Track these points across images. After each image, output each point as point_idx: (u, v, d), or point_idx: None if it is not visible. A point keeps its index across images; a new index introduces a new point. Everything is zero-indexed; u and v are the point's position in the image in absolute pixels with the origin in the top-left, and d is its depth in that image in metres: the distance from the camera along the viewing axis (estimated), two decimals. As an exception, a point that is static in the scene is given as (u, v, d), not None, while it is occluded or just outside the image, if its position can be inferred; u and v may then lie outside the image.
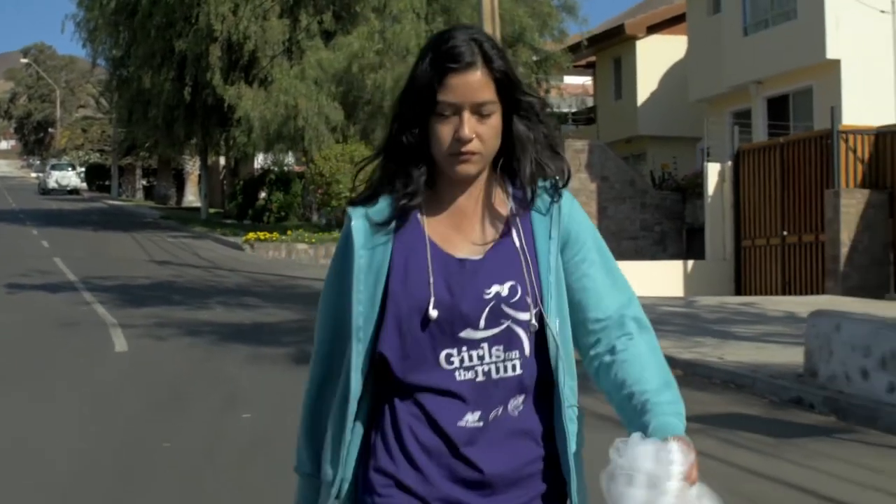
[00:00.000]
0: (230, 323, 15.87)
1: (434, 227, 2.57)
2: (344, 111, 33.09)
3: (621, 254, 29.84)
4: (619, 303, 2.61)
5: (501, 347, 2.51)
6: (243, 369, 12.13)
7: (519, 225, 2.58)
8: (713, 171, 26.55)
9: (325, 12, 35.35)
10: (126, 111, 44.54)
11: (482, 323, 2.50)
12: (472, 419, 2.49)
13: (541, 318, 2.54)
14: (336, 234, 31.22)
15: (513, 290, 2.52)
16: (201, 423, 9.47)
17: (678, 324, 15.78)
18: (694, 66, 33.84)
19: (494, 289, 2.51)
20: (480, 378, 2.50)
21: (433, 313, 2.47)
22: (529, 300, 2.52)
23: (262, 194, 42.61)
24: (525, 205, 2.60)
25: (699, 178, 28.53)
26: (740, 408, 10.26)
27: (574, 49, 39.54)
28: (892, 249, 21.74)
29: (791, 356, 11.83)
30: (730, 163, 25.92)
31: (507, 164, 2.60)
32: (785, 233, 23.96)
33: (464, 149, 2.47)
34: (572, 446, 2.54)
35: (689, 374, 11.60)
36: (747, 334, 14.68)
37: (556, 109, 43.68)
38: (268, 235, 31.38)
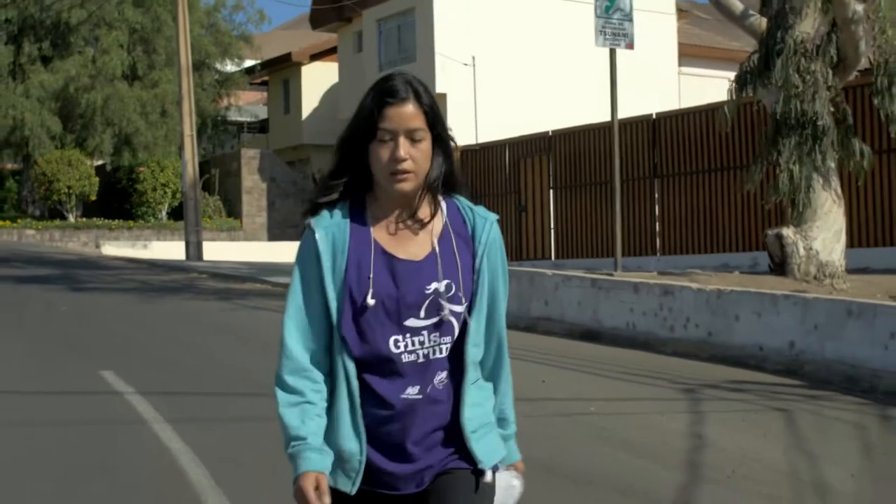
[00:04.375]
0: (14, 276, 23.51)
1: (380, 234, 3.10)
2: (62, 123, 40.58)
3: (286, 237, 38.50)
4: (501, 334, 3.25)
5: (437, 334, 3.08)
6: (42, 293, 20.11)
7: (454, 233, 3.14)
8: (351, 175, 35.38)
9: (44, 41, 42.04)
10: None
11: (423, 313, 3.06)
12: (412, 392, 3.07)
13: (469, 311, 3.12)
14: (58, 221, 38.58)
15: (448, 287, 3.07)
16: (37, 312, 17.55)
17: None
18: (344, 90, 41.13)
19: (434, 285, 3.06)
20: (421, 360, 3.08)
21: (370, 301, 3.02)
22: (462, 296, 3.09)
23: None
24: (458, 217, 3.17)
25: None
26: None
27: (250, 71, 47.45)
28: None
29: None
30: (363, 169, 34.78)
31: (436, 183, 3.11)
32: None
33: (399, 167, 3.00)
34: (467, 412, 3.13)
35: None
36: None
37: (235, 119, 51.38)
38: (2, 223, 38.25)
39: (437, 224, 3.13)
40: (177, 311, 17.61)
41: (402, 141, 3.00)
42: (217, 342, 14.27)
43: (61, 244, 36.40)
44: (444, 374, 3.10)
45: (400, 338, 3.05)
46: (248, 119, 53.47)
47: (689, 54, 40.87)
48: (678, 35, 40.46)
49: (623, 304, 14.32)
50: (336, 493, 3.04)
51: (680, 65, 40.40)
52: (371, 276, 3.03)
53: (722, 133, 19.89)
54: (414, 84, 3.06)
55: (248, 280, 23.76)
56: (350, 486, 3.07)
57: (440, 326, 3.08)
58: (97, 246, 35.51)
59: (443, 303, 3.06)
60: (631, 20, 16.39)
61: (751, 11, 17.45)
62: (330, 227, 3.08)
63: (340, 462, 3.06)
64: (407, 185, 3.03)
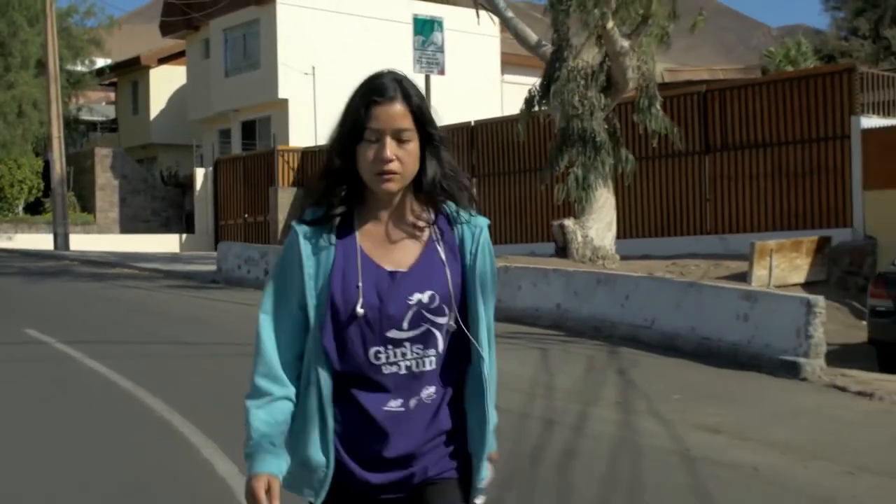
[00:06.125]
0: None
1: (365, 239, 3.00)
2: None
3: (138, 231, 41.34)
4: (486, 340, 3.07)
5: (421, 346, 2.97)
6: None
7: (441, 241, 3.02)
8: (200, 173, 38.65)
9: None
10: None
11: (405, 325, 2.95)
12: (394, 405, 2.97)
13: (457, 321, 3.01)
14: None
15: (432, 298, 2.96)
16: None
17: (164, 259, 27.80)
18: (191, 94, 43.91)
19: (416, 297, 2.95)
20: (403, 372, 2.97)
21: (360, 311, 2.92)
22: (446, 307, 2.98)
23: None
24: (446, 223, 3.05)
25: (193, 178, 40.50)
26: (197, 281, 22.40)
27: (100, 72, 49.65)
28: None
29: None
30: (211, 168, 38.13)
31: (429, 188, 3.01)
32: (246, 215, 36.36)
33: (385, 168, 2.90)
34: (491, 427, 3.10)
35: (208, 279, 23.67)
36: (196, 262, 26.86)
37: (86, 118, 53.58)
38: None
39: (425, 231, 3.04)
40: (64, 289, 20.83)
41: (389, 141, 2.93)
42: (110, 308, 17.66)
43: (-78, 237, 38.80)
44: (432, 389, 3.02)
45: (381, 349, 2.97)
46: (100, 119, 55.55)
47: (514, 63, 44.22)
48: (503, 46, 44.09)
49: (435, 279, 17.98)
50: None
51: (504, 73, 44.15)
52: (360, 284, 2.95)
53: (529, 138, 23.69)
54: (403, 83, 3.00)
55: (117, 265, 26.96)
56: (314, 498, 3.02)
57: (424, 339, 2.99)
58: (-36, 238, 38.10)
59: (426, 314, 2.98)
60: (443, 52, 20.14)
61: (543, 42, 21.29)
62: (314, 231, 3.02)
63: (307, 472, 3.01)
64: (393, 186, 2.96)
